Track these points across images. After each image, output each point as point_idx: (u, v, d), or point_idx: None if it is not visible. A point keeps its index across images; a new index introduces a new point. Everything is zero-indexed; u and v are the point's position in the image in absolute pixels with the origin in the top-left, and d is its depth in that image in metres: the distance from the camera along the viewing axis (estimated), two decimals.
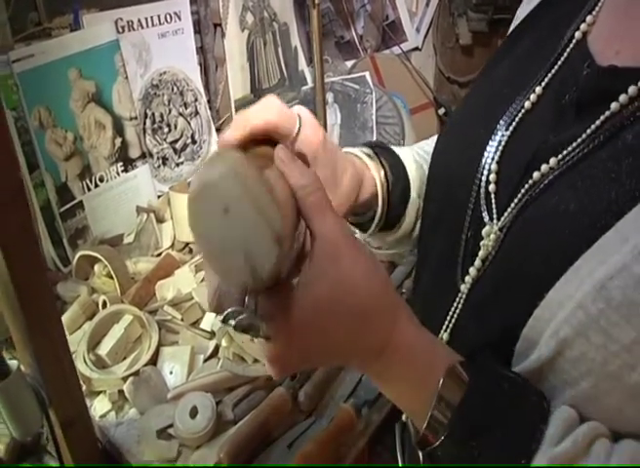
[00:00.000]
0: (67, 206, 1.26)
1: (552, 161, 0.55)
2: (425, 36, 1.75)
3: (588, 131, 0.54)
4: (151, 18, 1.38)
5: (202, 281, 1.18)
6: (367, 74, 1.67)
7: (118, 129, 1.33)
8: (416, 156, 0.82)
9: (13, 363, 0.79)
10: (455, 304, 0.64)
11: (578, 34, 0.61)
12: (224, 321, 0.46)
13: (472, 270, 0.61)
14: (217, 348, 1.05)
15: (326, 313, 0.47)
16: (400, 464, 0.78)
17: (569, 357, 0.48)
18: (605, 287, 0.45)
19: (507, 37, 0.74)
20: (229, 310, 0.46)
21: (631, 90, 0.51)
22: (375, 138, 1.58)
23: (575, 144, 0.54)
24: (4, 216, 0.67)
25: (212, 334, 1.08)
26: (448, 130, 0.76)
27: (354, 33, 1.69)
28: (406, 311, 0.51)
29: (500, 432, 0.48)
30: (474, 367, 0.50)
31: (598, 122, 0.53)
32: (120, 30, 1.31)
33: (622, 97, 0.52)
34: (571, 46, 0.61)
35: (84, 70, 1.24)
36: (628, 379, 0.45)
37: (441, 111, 1.73)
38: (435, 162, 0.74)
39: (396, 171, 0.77)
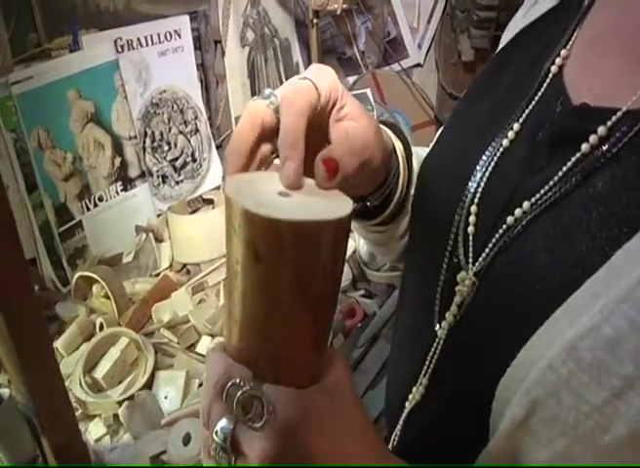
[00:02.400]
0: (66, 226, 1.26)
1: (525, 205, 0.53)
2: (427, 52, 1.75)
3: (560, 173, 0.52)
4: (151, 36, 1.38)
5: (199, 303, 1.18)
6: (368, 91, 1.67)
7: (117, 148, 1.33)
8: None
9: (4, 391, 0.79)
10: (432, 350, 0.62)
11: (554, 68, 0.59)
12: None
13: (449, 315, 0.59)
14: None
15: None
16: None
17: (541, 417, 0.47)
18: (575, 347, 0.44)
19: (489, 66, 0.73)
20: (236, 380, 0.46)
21: (600, 130, 0.50)
22: None
23: (547, 187, 0.52)
24: None
25: None
26: (428, 167, 0.72)
27: (356, 49, 1.69)
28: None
29: None
30: None
31: (569, 163, 0.51)
32: (119, 50, 1.31)
33: (592, 138, 0.50)
34: (547, 80, 0.59)
35: (83, 90, 1.24)
36: (601, 441, 0.44)
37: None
38: (416, 201, 0.72)
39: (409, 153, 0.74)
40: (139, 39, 1.35)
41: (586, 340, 0.44)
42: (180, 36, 1.44)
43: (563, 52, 0.59)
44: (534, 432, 0.48)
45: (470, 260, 0.58)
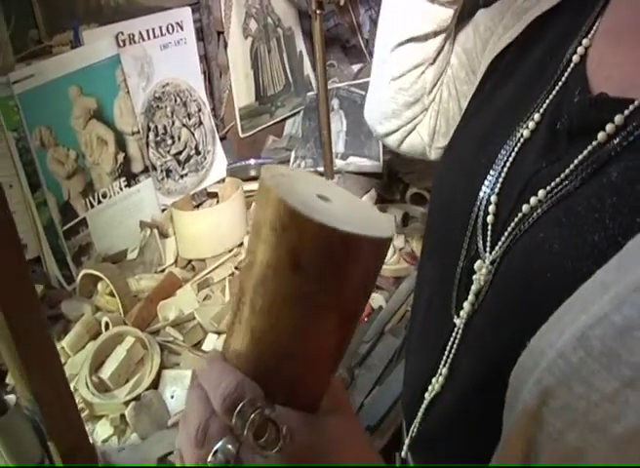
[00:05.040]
0: (70, 224, 1.26)
1: (541, 193, 0.54)
2: None
3: (576, 161, 0.52)
4: (152, 29, 1.37)
5: (204, 299, 1.17)
6: None
7: (120, 144, 1.32)
8: None
9: (10, 397, 0.79)
10: (452, 339, 0.63)
11: (575, 58, 0.58)
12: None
13: (466, 305, 0.60)
14: None
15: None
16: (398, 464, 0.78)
17: (553, 407, 0.46)
18: (585, 336, 0.44)
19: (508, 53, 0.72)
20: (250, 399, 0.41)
21: (617, 119, 0.50)
22: (380, 146, 1.56)
23: (563, 176, 0.53)
24: None
25: None
26: (449, 157, 0.74)
27: (360, 38, 1.67)
28: None
29: None
30: None
31: (585, 152, 0.51)
32: (121, 44, 1.30)
33: (609, 127, 0.50)
34: (569, 70, 0.59)
35: (84, 87, 1.23)
36: (612, 431, 0.43)
37: None
38: (436, 192, 0.73)
39: None
40: (140, 33, 1.34)
41: (597, 329, 0.43)
42: (182, 28, 1.42)
43: (585, 41, 0.59)
44: (545, 423, 0.47)
45: (488, 249, 0.58)
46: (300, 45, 1.69)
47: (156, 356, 1.06)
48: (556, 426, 0.47)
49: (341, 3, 1.31)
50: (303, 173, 0.45)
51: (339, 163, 1.50)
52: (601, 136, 0.51)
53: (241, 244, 1.32)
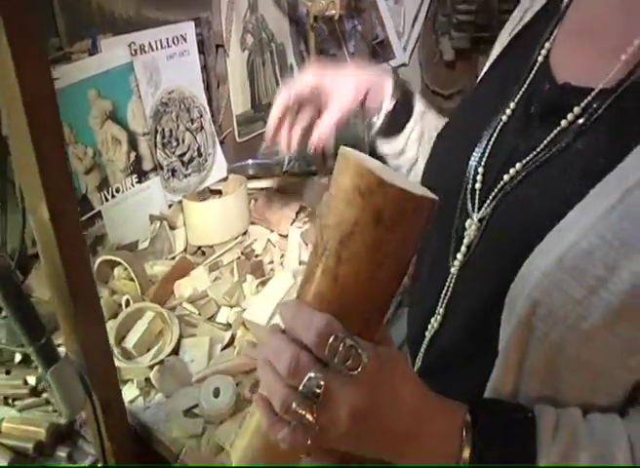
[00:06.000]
0: (87, 215, 1.37)
1: (518, 165, 0.68)
2: (412, 53, 1.87)
3: (548, 138, 0.67)
4: (160, 41, 1.49)
5: (215, 280, 1.29)
6: None
7: (132, 143, 1.44)
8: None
9: (61, 350, 0.89)
10: (447, 284, 0.76)
11: (540, 58, 0.74)
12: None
13: (459, 256, 0.74)
14: (232, 338, 1.17)
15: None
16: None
17: (539, 315, 0.60)
18: (562, 258, 0.58)
19: (490, 64, 0.88)
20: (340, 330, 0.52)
21: (582, 104, 0.65)
22: (367, 149, 1.70)
23: (538, 150, 0.67)
24: (61, 223, 0.78)
25: (227, 326, 1.20)
26: (442, 139, 0.90)
27: (346, 52, 1.82)
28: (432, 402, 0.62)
29: (508, 454, 0.59)
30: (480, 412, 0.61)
31: (555, 131, 0.66)
32: (133, 53, 1.42)
33: (576, 110, 0.65)
34: (537, 66, 0.74)
35: (102, 91, 1.35)
36: (582, 328, 0.58)
37: None
38: (430, 165, 0.88)
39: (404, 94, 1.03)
40: (149, 43, 1.46)
41: (570, 253, 0.58)
42: (185, 40, 1.55)
43: (547, 44, 0.74)
44: (533, 329, 0.61)
45: (476, 210, 0.73)
46: (291, 58, 1.83)
47: (175, 328, 1.17)
48: (543, 329, 0.61)
49: (336, 17, 1.46)
50: (364, 155, 0.54)
51: (331, 162, 1.64)
52: (570, 116, 0.65)
53: (245, 232, 1.44)
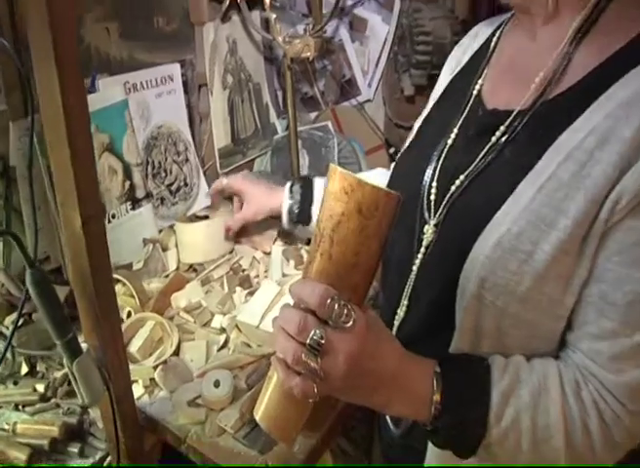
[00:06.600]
0: None
1: (462, 177, 0.87)
2: (376, 90, 2.03)
3: (482, 153, 0.85)
4: (150, 80, 1.64)
5: (207, 292, 1.43)
6: (329, 123, 1.98)
7: (127, 173, 1.58)
8: None
9: (84, 345, 1.01)
10: (409, 279, 0.93)
11: (475, 91, 0.94)
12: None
13: (420, 255, 0.91)
14: (226, 341, 1.30)
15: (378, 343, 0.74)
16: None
17: (487, 287, 0.78)
18: (500, 241, 0.76)
19: (438, 97, 1.08)
20: (335, 294, 0.67)
21: (503, 127, 0.84)
22: None
23: (475, 164, 0.86)
24: (90, 228, 0.91)
25: (221, 331, 1.33)
26: (400, 162, 1.08)
27: (317, 89, 2.00)
28: (409, 357, 0.78)
29: (470, 393, 0.76)
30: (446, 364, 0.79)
31: (487, 147, 0.85)
32: (127, 91, 1.57)
33: (502, 129, 0.84)
34: (472, 98, 0.94)
35: (100, 125, 1.49)
36: (518, 293, 0.76)
37: (391, 150, 2.02)
38: (392, 183, 1.06)
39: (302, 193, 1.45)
40: (141, 82, 1.61)
41: (505, 236, 0.76)
42: (172, 80, 1.71)
43: (480, 80, 0.95)
44: (483, 299, 0.77)
45: (432, 217, 0.89)
46: (267, 97, 2.01)
47: (175, 334, 1.30)
48: (489, 298, 0.78)
49: (311, 59, 1.63)
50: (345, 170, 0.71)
51: None
52: (498, 133, 0.85)
53: (232, 251, 1.59)
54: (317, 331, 0.67)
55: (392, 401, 0.76)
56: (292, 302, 0.73)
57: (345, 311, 0.68)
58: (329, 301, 0.67)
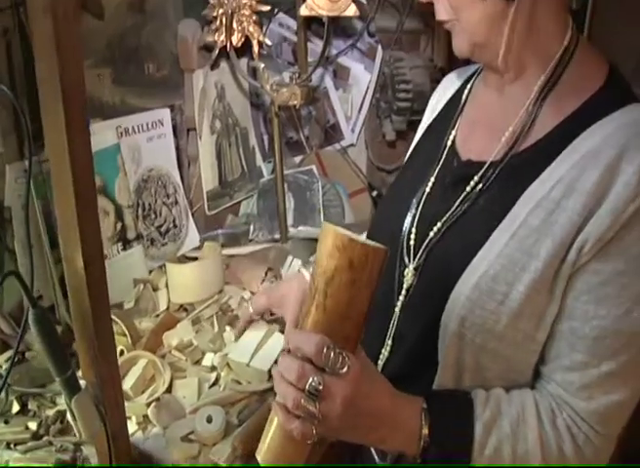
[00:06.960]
0: None
1: (438, 224, 0.93)
2: (359, 135, 2.10)
3: (458, 202, 0.91)
4: (141, 125, 1.69)
5: (198, 331, 1.46)
6: (314, 167, 2.05)
7: (119, 215, 1.62)
8: None
9: (82, 382, 1.04)
10: (392, 321, 0.98)
11: (449, 142, 1.00)
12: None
13: (401, 297, 0.97)
14: (217, 379, 1.33)
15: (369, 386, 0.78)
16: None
17: (467, 326, 0.83)
18: (478, 283, 0.82)
19: (414, 146, 1.15)
20: (330, 343, 0.72)
21: (479, 174, 0.90)
22: (322, 219, 1.94)
23: (452, 210, 0.92)
24: (91, 268, 0.95)
25: (212, 369, 1.36)
26: (381, 209, 1.15)
27: (302, 134, 2.07)
28: (399, 395, 0.83)
29: (455, 426, 0.82)
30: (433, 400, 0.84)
31: (462, 196, 0.91)
32: (120, 135, 1.62)
33: (476, 178, 0.90)
34: (447, 148, 1.00)
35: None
36: (496, 330, 0.82)
37: (374, 193, 2.08)
38: (374, 230, 1.12)
39: None
40: (133, 127, 1.66)
41: (483, 278, 0.82)
42: (162, 125, 1.76)
43: (453, 131, 1.01)
44: (464, 337, 0.83)
45: (412, 261, 0.95)
46: (253, 141, 2.07)
47: (167, 372, 1.33)
48: (469, 336, 0.84)
49: (297, 107, 1.70)
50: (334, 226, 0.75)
51: (291, 230, 1.86)
52: (472, 183, 0.91)
53: (221, 291, 1.63)
54: (315, 379, 0.72)
55: (386, 437, 0.81)
56: (282, 341, 0.78)
57: (340, 359, 0.73)
58: (325, 350, 0.72)
